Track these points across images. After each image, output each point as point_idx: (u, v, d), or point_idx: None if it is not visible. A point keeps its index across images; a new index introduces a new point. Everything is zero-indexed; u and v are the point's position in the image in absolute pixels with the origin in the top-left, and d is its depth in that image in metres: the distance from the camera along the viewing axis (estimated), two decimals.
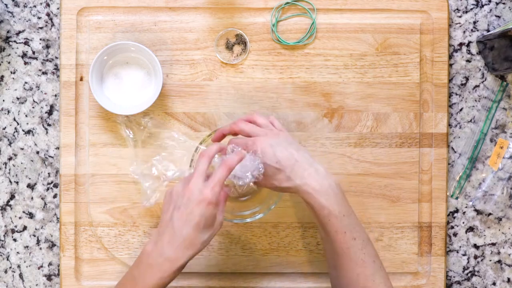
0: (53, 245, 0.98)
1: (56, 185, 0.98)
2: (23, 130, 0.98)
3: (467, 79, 1.00)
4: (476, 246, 1.00)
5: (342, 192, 0.80)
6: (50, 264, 0.98)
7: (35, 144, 0.98)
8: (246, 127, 0.84)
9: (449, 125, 0.99)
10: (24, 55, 0.98)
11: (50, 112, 0.98)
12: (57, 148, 0.98)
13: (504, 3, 1.00)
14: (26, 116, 0.98)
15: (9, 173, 0.98)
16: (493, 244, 1.00)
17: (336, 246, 0.79)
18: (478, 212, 1.00)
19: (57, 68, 0.98)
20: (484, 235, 1.00)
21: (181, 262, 0.75)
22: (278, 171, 0.80)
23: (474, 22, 1.00)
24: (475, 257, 1.00)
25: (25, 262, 0.98)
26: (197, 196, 0.75)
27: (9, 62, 0.98)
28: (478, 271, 1.00)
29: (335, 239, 0.79)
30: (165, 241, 0.76)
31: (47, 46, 0.98)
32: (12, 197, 0.98)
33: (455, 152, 1.00)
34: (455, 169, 0.99)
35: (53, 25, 0.98)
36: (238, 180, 0.80)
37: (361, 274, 0.79)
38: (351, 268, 0.79)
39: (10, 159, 0.98)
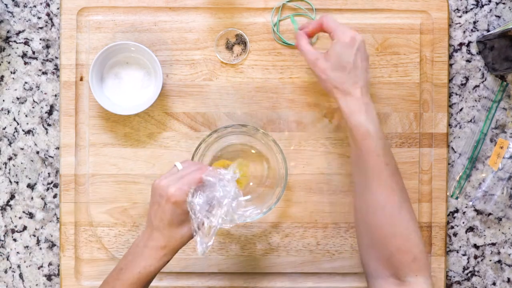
0: (53, 245, 0.98)
1: (56, 185, 0.98)
2: (23, 130, 0.98)
3: (467, 79, 1.00)
4: (476, 246, 1.00)
5: (376, 113, 0.82)
6: (50, 264, 0.98)
7: (35, 144, 0.98)
8: (333, 21, 0.85)
9: (449, 125, 0.99)
10: (24, 55, 0.98)
11: (50, 112, 0.98)
12: (57, 148, 0.98)
13: (504, 3, 1.00)
14: (26, 116, 0.98)
15: (9, 173, 0.98)
16: (493, 244, 1.00)
17: (368, 168, 0.79)
18: (478, 212, 1.00)
19: (57, 68, 0.98)
20: (484, 235, 1.00)
21: (165, 252, 0.78)
22: (342, 70, 0.81)
23: (474, 22, 1.00)
24: (475, 257, 1.00)
25: (25, 262, 0.98)
26: (165, 193, 0.77)
27: (9, 62, 0.98)
28: (478, 271, 1.00)
29: (368, 160, 0.79)
30: (148, 233, 0.79)
31: (47, 46, 0.98)
32: (12, 197, 0.98)
33: (455, 152, 1.00)
34: (455, 169, 0.99)
35: (53, 25, 0.98)
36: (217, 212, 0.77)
37: (388, 202, 0.78)
38: (379, 193, 0.79)
39: (10, 159, 0.98)
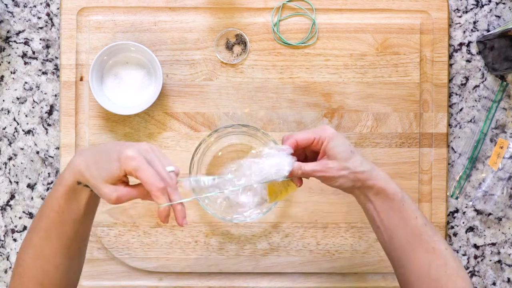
0: None
1: None
2: (23, 130, 0.98)
3: (467, 79, 1.00)
4: (476, 246, 1.00)
5: None
6: None
7: (35, 144, 0.98)
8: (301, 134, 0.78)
9: (449, 125, 0.99)
10: (24, 55, 0.98)
11: (50, 112, 0.98)
12: (57, 148, 0.98)
13: (504, 3, 1.00)
14: (26, 116, 0.98)
15: (9, 173, 0.98)
16: (493, 244, 1.00)
17: (408, 233, 0.75)
18: (478, 212, 1.00)
19: (57, 68, 0.98)
20: (484, 235, 1.00)
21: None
22: (352, 154, 0.76)
23: (474, 22, 1.00)
24: (475, 257, 1.00)
25: None
26: (104, 193, 0.68)
27: (9, 62, 0.98)
28: (478, 271, 1.00)
29: (408, 225, 0.75)
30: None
31: (47, 46, 0.98)
32: (12, 197, 0.98)
33: (455, 152, 1.00)
34: (455, 169, 0.99)
35: (53, 25, 0.98)
36: (275, 177, 0.76)
37: (433, 264, 0.74)
38: (422, 257, 0.74)
39: (10, 159, 0.98)
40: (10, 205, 0.98)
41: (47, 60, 0.98)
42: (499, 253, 1.00)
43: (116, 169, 0.67)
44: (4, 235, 0.98)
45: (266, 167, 0.76)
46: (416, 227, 0.75)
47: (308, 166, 0.77)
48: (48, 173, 0.98)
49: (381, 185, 0.76)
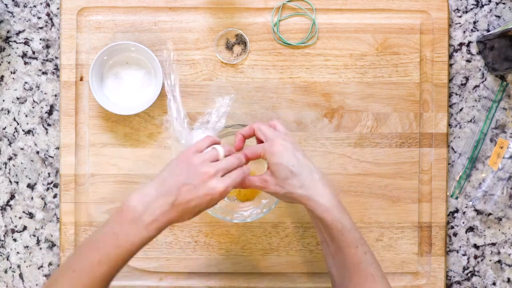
0: (53, 245, 0.98)
1: (56, 185, 0.98)
2: (23, 130, 0.98)
3: (467, 79, 1.00)
4: (476, 246, 1.00)
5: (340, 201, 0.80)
6: (50, 264, 0.98)
7: (35, 144, 0.98)
8: (264, 128, 0.82)
9: (449, 125, 0.99)
10: (24, 55, 0.98)
11: (50, 112, 0.98)
12: (57, 148, 0.98)
13: (504, 3, 1.00)
14: (26, 116, 0.98)
15: (9, 173, 0.98)
16: (493, 244, 1.00)
17: (347, 261, 0.78)
18: (478, 212, 1.00)
19: (57, 68, 0.98)
20: (484, 235, 1.00)
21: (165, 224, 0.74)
22: (292, 175, 0.78)
23: (474, 22, 1.00)
24: (475, 257, 1.00)
25: (25, 262, 0.98)
26: (210, 189, 0.73)
27: (9, 62, 0.98)
28: (478, 271, 1.00)
29: (347, 253, 0.77)
30: (160, 204, 0.73)
31: (47, 46, 0.98)
32: (12, 197, 0.98)
33: (455, 152, 1.00)
34: (455, 169, 0.99)
35: (53, 25, 0.98)
36: None
37: None
38: (361, 284, 0.77)
39: (10, 159, 0.98)
40: (10, 205, 0.98)
41: (47, 60, 0.98)
42: (499, 253, 1.00)
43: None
44: (4, 235, 0.98)
45: None
46: (355, 255, 0.77)
47: (250, 180, 0.80)
48: (48, 173, 0.98)
49: (319, 214, 0.77)
